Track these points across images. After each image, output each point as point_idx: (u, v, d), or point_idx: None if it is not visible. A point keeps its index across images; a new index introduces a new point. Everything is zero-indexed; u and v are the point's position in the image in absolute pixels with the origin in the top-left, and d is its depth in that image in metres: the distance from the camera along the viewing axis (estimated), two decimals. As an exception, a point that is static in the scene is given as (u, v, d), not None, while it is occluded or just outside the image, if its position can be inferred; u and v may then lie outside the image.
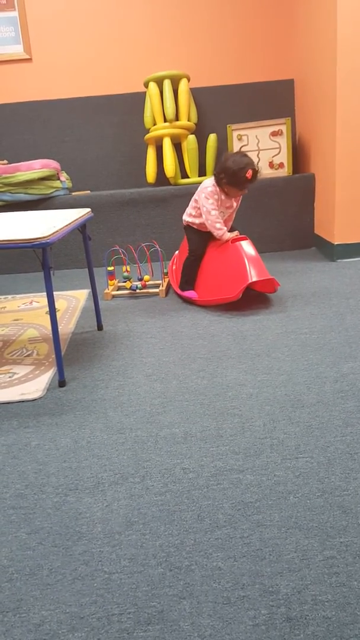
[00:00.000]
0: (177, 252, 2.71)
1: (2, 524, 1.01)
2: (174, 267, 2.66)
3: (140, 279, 2.55)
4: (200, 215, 2.29)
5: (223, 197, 2.24)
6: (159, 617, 0.78)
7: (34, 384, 1.59)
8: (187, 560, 0.88)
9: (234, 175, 2.12)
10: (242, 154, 2.17)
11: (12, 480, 1.14)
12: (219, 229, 2.22)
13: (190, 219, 2.35)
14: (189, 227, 2.37)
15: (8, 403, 1.50)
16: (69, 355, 1.81)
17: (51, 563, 0.90)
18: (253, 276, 2.02)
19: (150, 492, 1.06)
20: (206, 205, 2.21)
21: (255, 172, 2.13)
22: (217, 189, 2.22)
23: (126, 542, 0.93)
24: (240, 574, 0.84)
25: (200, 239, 2.31)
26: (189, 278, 2.33)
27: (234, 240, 2.14)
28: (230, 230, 2.34)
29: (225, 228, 2.25)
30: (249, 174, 2.10)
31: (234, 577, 0.83)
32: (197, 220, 2.32)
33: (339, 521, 0.93)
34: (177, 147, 3.36)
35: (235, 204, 2.32)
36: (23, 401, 1.50)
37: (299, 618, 0.75)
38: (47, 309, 2.36)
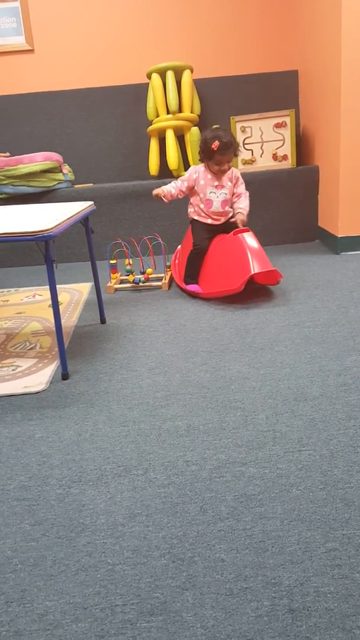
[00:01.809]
0: (179, 246, 2.71)
1: (6, 515, 1.01)
2: (176, 262, 2.65)
3: (143, 272, 2.55)
4: (197, 204, 2.29)
5: (209, 176, 2.26)
6: (162, 608, 0.78)
7: (37, 377, 1.60)
8: (190, 552, 0.88)
9: (203, 148, 2.21)
10: (216, 129, 2.21)
11: (16, 472, 1.14)
12: (168, 186, 2.31)
13: (190, 209, 2.36)
14: (193, 221, 2.36)
15: (11, 396, 1.50)
16: (72, 349, 1.82)
17: (55, 554, 0.91)
18: (255, 268, 2.02)
19: (154, 484, 1.06)
20: (185, 174, 2.31)
21: (225, 143, 2.15)
22: (205, 168, 2.27)
23: (129, 534, 0.94)
24: (243, 566, 0.84)
25: (204, 232, 2.31)
26: (192, 272, 2.33)
27: (237, 232, 2.14)
28: (232, 217, 2.33)
29: (168, 187, 2.30)
30: (215, 144, 2.15)
31: (237, 569, 0.84)
32: (195, 208, 2.32)
33: (341, 514, 0.94)
34: (180, 139, 3.35)
35: (229, 183, 2.28)
36: (26, 394, 1.50)
37: (301, 609, 0.76)
38: (50, 302, 2.36)
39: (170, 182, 2.34)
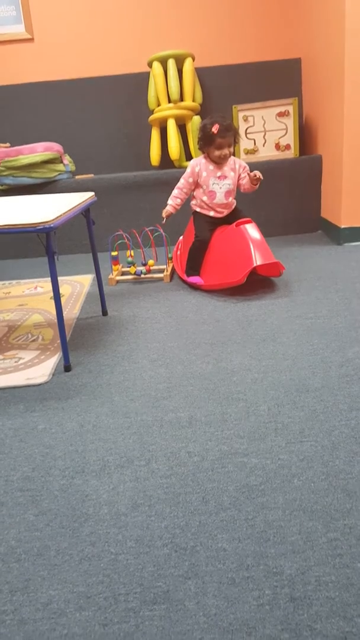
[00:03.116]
0: (181, 237, 2.70)
1: (10, 506, 1.02)
2: (178, 253, 2.65)
3: (145, 264, 2.55)
4: (199, 197, 2.28)
5: (211, 167, 2.24)
6: (165, 596, 0.79)
7: (39, 369, 1.60)
8: (192, 542, 0.89)
9: (203, 135, 2.19)
10: (215, 116, 2.20)
11: (20, 463, 1.15)
12: (171, 197, 2.30)
13: (193, 201, 2.35)
14: (195, 213, 2.35)
15: (14, 387, 1.51)
16: (74, 341, 1.82)
17: (58, 544, 0.91)
18: (258, 260, 2.01)
19: (156, 475, 1.07)
20: (185, 173, 2.29)
21: (225, 126, 2.14)
22: (206, 159, 2.26)
23: (132, 524, 0.94)
24: (245, 555, 0.85)
25: (206, 224, 2.30)
26: (194, 264, 2.32)
27: (239, 223, 2.13)
28: (236, 212, 2.32)
29: (171, 203, 2.30)
30: (215, 127, 2.13)
31: (239, 558, 0.85)
32: (197, 201, 2.31)
33: (342, 504, 0.94)
34: (182, 128, 3.33)
35: (232, 174, 2.26)
36: (29, 386, 1.51)
37: (302, 598, 0.77)
38: (51, 294, 2.36)
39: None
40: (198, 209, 2.32)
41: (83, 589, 0.82)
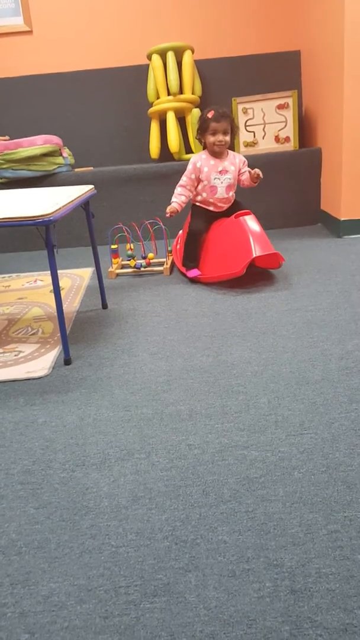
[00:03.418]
0: (181, 231, 2.70)
1: (11, 499, 1.02)
2: (177, 247, 2.64)
3: (144, 257, 2.54)
4: (199, 193, 2.27)
5: (212, 161, 2.23)
6: (165, 589, 0.79)
7: (39, 362, 1.60)
8: (193, 534, 0.89)
9: (200, 124, 2.21)
10: (213, 106, 2.21)
11: (20, 457, 1.15)
12: (175, 194, 2.28)
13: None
14: (194, 205, 2.35)
15: (14, 381, 1.51)
16: (74, 334, 1.82)
17: (59, 537, 0.91)
18: (257, 251, 2.01)
19: (156, 467, 1.07)
20: (186, 170, 2.28)
21: (220, 112, 2.14)
22: (206, 154, 2.25)
23: (132, 517, 0.94)
24: (245, 548, 0.85)
25: (202, 217, 2.29)
26: (190, 255, 2.31)
27: (238, 215, 2.13)
28: (235, 205, 2.31)
29: (177, 201, 2.26)
30: (210, 113, 2.15)
31: (239, 551, 0.85)
32: (198, 197, 2.30)
33: (343, 496, 0.94)
34: (182, 121, 3.31)
35: (232, 168, 2.25)
36: (29, 379, 1.51)
37: (303, 590, 0.77)
38: (51, 287, 2.36)
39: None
40: (197, 203, 2.32)
41: (83, 582, 0.82)
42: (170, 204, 2.26)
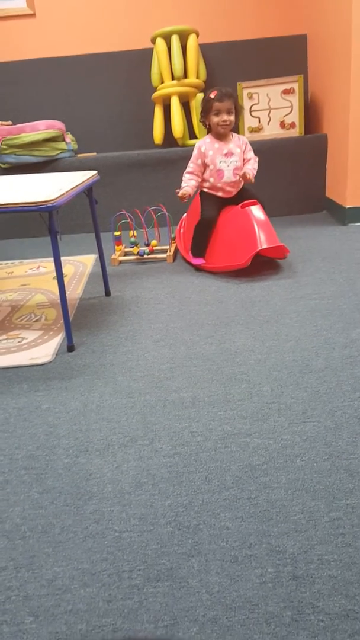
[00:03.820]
0: (184, 215, 2.68)
1: (15, 484, 1.03)
2: (181, 231, 2.63)
3: (148, 244, 2.53)
4: (206, 179, 2.25)
5: (217, 145, 2.21)
6: (168, 574, 0.80)
7: (43, 349, 1.60)
8: (196, 520, 0.90)
9: (203, 106, 2.19)
10: (216, 88, 2.20)
11: (24, 442, 1.16)
12: (184, 180, 2.25)
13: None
14: (202, 192, 2.32)
15: (18, 367, 1.51)
16: (77, 321, 1.82)
17: (63, 521, 0.92)
18: (263, 243, 2.00)
19: (159, 454, 1.08)
20: (192, 156, 2.26)
21: (223, 92, 2.13)
22: (210, 138, 2.23)
23: (136, 502, 0.95)
24: (248, 534, 0.86)
25: (213, 204, 2.26)
26: (199, 244, 2.28)
27: (245, 205, 2.11)
28: (244, 192, 2.27)
29: (190, 183, 2.22)
30: (213, 93, 2.14)
31: (242, 537, 0.85)
32: (205, 184, 2.27)
33: (345, 484, 0.95)
34: (186, 106, 3.28)
35: (238, 150, 2.22)
36: (33, 365, 1.51)
37: (305, 576, 0.77)
38: (54, 274, 2.35)
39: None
40: (205, 189, 2.29)
41: (87, 566, 0.83)
42: (182, 188, 2.21)
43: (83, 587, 0.79)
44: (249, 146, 2.27)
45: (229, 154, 2.20)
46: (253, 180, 2.20)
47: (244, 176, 2.17)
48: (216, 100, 2.12)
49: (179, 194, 2.18)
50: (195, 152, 2.23)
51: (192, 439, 1.11)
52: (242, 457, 1.04)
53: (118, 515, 0.92)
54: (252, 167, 2.23)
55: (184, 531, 0.88)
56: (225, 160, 2.20)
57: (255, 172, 2.24)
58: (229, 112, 2.14)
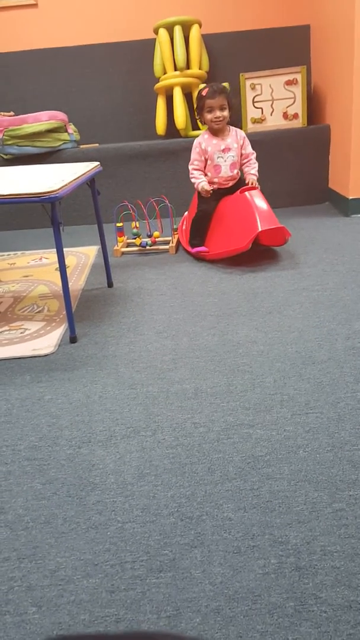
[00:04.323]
0: (186, 212, 2.67)
1: (18, 474, 1.03)
2: (183, 227, 2.61)
3: (150, 236, 2.52)
4: (204, 173, 2.25)
5: (214, 140, 2.21)
6: (171, 564, 0.80)
7: (45, 340, 1.60)
8: (198, 511, 0.90)
9: (197, 103, 2.20)
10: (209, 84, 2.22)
11: (27, 433, 1.16)
12: (195, 177, 2.25)
13: None
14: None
15: (21, 358, 1.51)
16: (80, 312, 1.81)
17: (65, 512, 0.92)
18: (262, 225, 1.98)
19: (162, 445, 1.07)
20: (191, 155, 2.26)
21: (214, 89, 2.13)
22: (207, 134, 2.24)
23: (138, 493, 0.95)
24: (250, 525, 0.86)
25: (210, 197, 2.26)
26: (197, 235, 2.29)
27: (243, 190, 2.10)
28: (241, 182, 2.28)
29: (202, 178, 2.23)
30: (205, 90, 2.15)
31: (244, 528, 0.85)
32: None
33: (348, 475, 0.94)
34: (188, 97, 3.25)
35: (235, 145, 2.22)
36: (35, 356, 1.51)
37: (307, 567, 0.77)
38: (56, 265, 2.34)
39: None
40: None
41: (90, 557, 0.83)
42: (198, 183, 2.23)
43: (86, 577, 0.79)
44: (247, 141, 2.27)
45: (226, 150, 2.21)
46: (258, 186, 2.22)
47: (252, 188, 2.18)
48: (208, 97, 2.13)
49: (202, 193, 2.21)
50: (196, 149, 2.24)
51: (194, 430, 1.11)
52: (244, 448, 1.04)
53: (121, 506, 0.92)
54: (254, 173, 2.26)
55: (186, 522, 0.88)
56: (223, 155, 2.21)
57: (257, 173, 2.27)
58: (221, 108, 2.15)
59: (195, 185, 2.24)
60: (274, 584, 0.75)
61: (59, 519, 0.91)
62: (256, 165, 2.28)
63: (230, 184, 2.27)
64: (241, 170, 2.30)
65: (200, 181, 2.22)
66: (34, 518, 0.92)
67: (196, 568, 0.79)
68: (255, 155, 2.28)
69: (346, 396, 1.18)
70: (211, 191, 2.21)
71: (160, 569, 0.79)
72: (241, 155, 2.26)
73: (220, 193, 2.27)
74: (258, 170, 2.29)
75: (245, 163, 2.28)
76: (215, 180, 2.24)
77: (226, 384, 1.28)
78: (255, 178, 2.25)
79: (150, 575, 0.78)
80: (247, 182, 2.24)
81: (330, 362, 1.33)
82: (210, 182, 2.26)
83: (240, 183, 2.28)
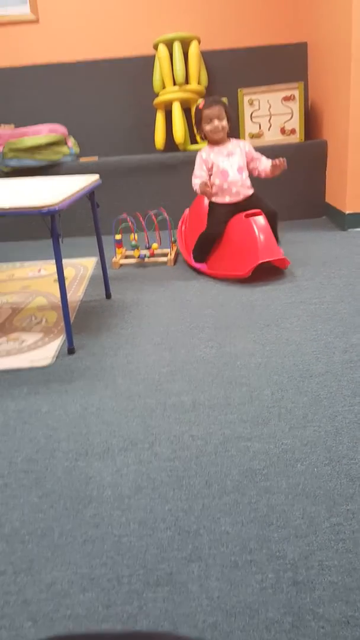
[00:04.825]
0: (187, 210, 2.67)
1: (14, 487, 1.02)
2: (183, 228, 2.62)
3: (148, 248, 2.53)
4: (212, 182, 2.23)
5: (216, 149, 2.24)
6: (168, 579, 0.79)
7: (43, 352, 1.60)
8: (196, 525, 0.89)
9: (195, 117, 2.24)
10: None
11: (24, 445, 1.15)
12: (195, 183, 2.24)
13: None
14: (211, 203, 2.27)
15: (18, 370, 1.51)
16: (78, 324, 1.82)
17: (62, 525, 0.92)
18: (264, 256, 2.01)
19: (159, 458, 1.07)
20: (195, 166, 2.28)
21: (211, 100, 2.17)
22: (209, 146, 2.26)
23: (135, 506, 0.95)
24: (248, 539, 0.85)
25: (221, 216, 2.21)
26: (202, 252, 2.27)
27: (248, 215, 2.09)
28: (254, 200, 2.23)
29: (199, 180, 2.21)
30: (201, 103, 2.18)
31: (242, 542, 0.85)
32: (213, 189, 2.23)
33: (345, 489, 0.94)
34: (187, 112, 3.29)
35: (238, 149, 2.23)
36: (33, 368, 1.51)
37: (305, 582, 0.77)
38: (55, 276, 2.35)
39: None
40: (214, 199, 2.24)
41: (86, 571, 0.82)
42: (196, 189, 2.22)
43: (82, 591, 0.79)
44: (252, 148, 2.27)
45: (230, 154, 2.22)
46: (284, 165, 2.21)
47: (279, 165, 2.18)
48: (205, 108, 2.16)
49: (204, 193, 2.19)
50: (198, 160, 2.25)
51: (192, 443, 1.11)
52: (242, 462, 1.04)
53: (118, 520, 0.92)
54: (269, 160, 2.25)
55: (183, 536, 0.87)
56: (228, 159, 2.21)
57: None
58: (219, 118, 2.17)
59: (196, 190, 2.22)
60: (272, 598, 0.75)
61: (55, 533, 0.90)
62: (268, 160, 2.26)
63: (241, 195, 2.22)
64: (251, 172, 2.28)
65: (199, 183, 2.18)
66: (31, 531, 0.91)
67: (193, 582, 0.78)
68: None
69: (344, 409, 1.18)
70: (208, 189, 2.16)
71: (157, 583, 0.79)
72: (249, 163, 2.25)
73: (231, 211, 2.20)
74: (257, 183, 2.29)
75: (257, 160, 2.26)
76: (225, 186, 2.20)
77: (224, 397, 1.28)
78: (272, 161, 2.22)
79: (147, 590, 0.78)
80: (272, 163, 2.21)
81: (327, 375, 1.33)
82: (221, 192, 2.21)
83: (256, 202, 2.22)
